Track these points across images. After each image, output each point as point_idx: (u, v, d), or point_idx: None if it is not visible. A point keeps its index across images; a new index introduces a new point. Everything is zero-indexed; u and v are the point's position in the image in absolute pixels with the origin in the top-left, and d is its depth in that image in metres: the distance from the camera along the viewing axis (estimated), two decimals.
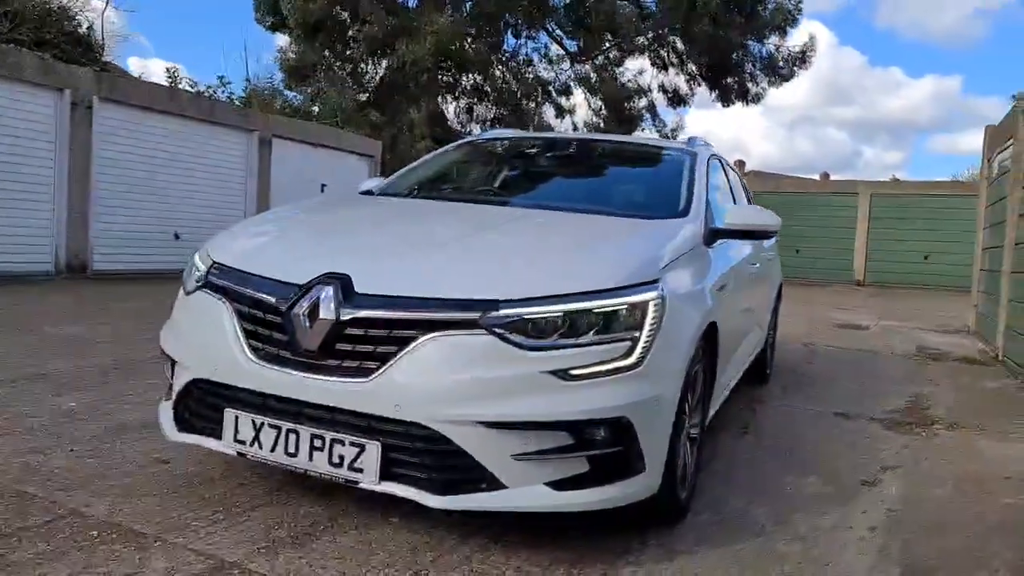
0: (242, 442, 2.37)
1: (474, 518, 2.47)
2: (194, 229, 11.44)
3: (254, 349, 2.36)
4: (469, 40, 20.91)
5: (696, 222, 3.10)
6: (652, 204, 3.32)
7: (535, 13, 22.06)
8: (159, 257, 11.17)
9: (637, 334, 2.27)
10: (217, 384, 2.43)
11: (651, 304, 2.32)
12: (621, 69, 23.81)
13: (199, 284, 2.61)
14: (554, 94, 24.04)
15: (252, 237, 2.87)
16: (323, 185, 14.32)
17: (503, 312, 2.18)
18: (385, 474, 2.21)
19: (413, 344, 2.18)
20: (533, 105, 24.16)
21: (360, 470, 2.22)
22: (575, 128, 24.31)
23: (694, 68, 23.32)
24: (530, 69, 24.29)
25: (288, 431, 2.30)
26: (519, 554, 2.38)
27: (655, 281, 2.39)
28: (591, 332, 2.23)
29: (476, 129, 26.13)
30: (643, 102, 23.73)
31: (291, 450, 2.30)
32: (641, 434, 2.26)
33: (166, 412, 2.67)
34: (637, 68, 23.74)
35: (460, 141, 4.31)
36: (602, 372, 2.21)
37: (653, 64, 23.34)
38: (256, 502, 2.66)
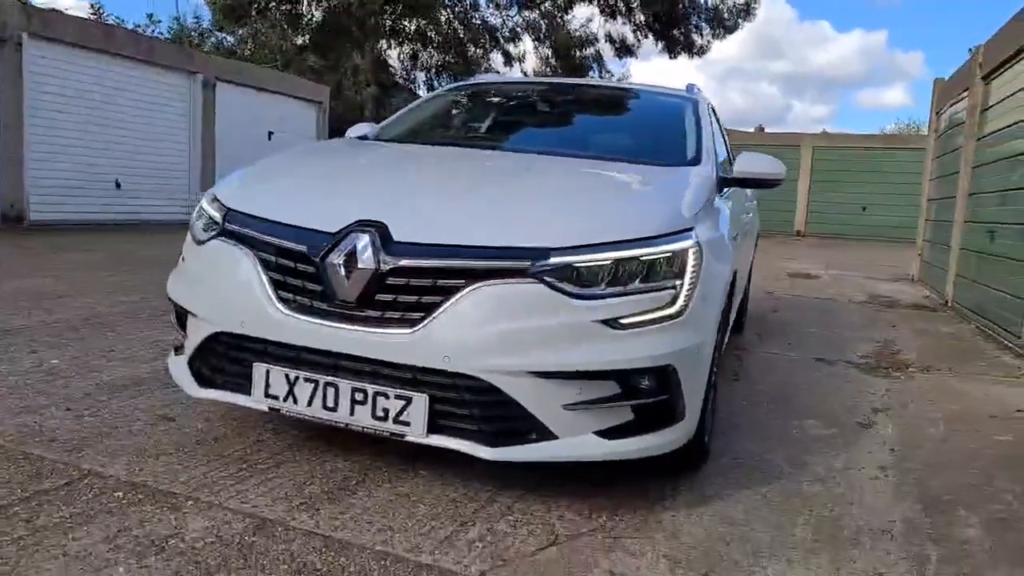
0: (274, 397, 2.28)
1: (507, 470, 2.44)
2: (136, 178, 10.91)
3: (284, 300, 2.25)
4: None
5: (710, 170, 3.09)
6: (664, 151, 3.28)
7: None
8: (100, 207, 10.64)
9: (679, 283, 2.26)
10: (244, 337, 2.32)
11: (691, 252, 2.31)
12: (569, 16, 23.49)
13: (214, 233, 2.47)
14: (502, 41, 23.57)
15: (266, 183, 2.73)
16: (270, 132, 13.80)
17: (553, 260, 2.13)
18: (432, 427, 2.16)
19: (460, 293, 2.11)
20: (481, 52, 23.68)
21: (406, 423, 2.16)
22: (525, 75, 23.97)
23: (642, 18, 23.17)
24: (476, 15, 23.72)
25: (326, 385, 2.22)
26: (558, 503, 2.38)
27: (690, 229, 2.37)
28: (636, 281, 2.20)
29: (421, 76, 25.55)
30: (591, 51, 23.52)
31: (330, 404, 2.22)
32: (684, 382, 2.26)
33: (180, 367, 2.54)
34: (585, 16, 23.50)
35: (450, 86, 4.17)
36: (649, 321, 2.20)
37: (602, 12, 23.08)
38: (279, 458, 2.58)
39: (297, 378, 2.25)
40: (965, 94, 7.93)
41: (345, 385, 2.20)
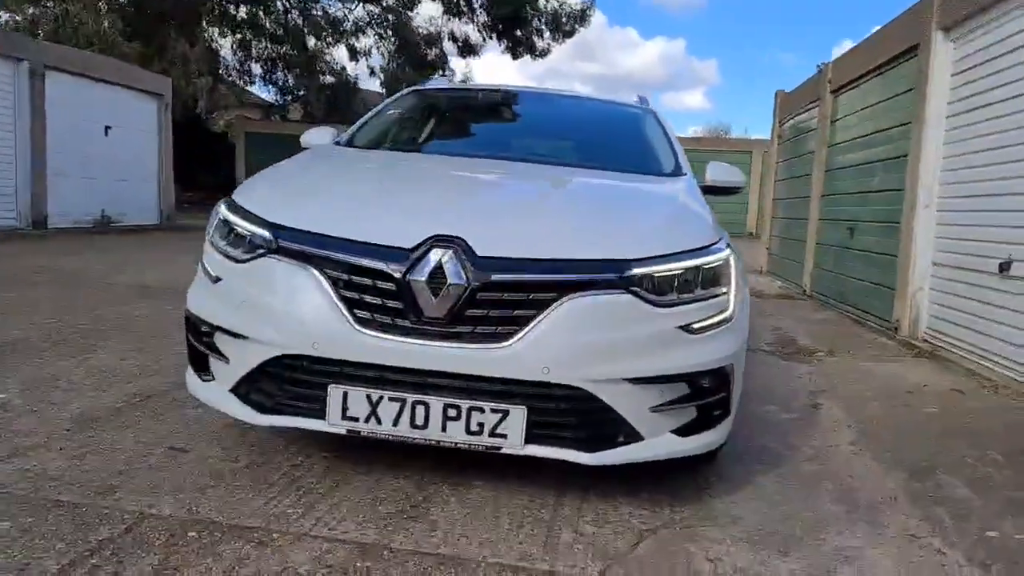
0: (353, 419, 2.23)
1: (554, 474, 2.53)
2: None
3: (361, 320, 2.20)
4: None
5: (694, 180, 3.35)
6: (656, 162, 3.49)
7: None
8: None
9: (726, 289, 2.47)
10: (315, 359, 2.24)
11: (731, 260, 2.53)
12: (413, 13, 23.36)
13: (263, 251, 2.35)
14: (346, 34, 22.97)
15: (312, 197, 2.60)
16: (107, 127, 12.62)
17: (636, 271, 2.26)
18: (528, 437, 2.21)
19: (554, 306, 2.18)
20: (323, 45, 22.96)
21: (503, 435, 2.20)
22: (372, 72, 23.59)
23: (485, 19, 23.50)
24: (317, 6, 22.95)
25: (415, 403, 2.20)
26: (619, 500, 2.51)
27: (721, 239, 2.60)
28: (698, 288, 2.38)
29: (257, 68, 24.32)
30: (436, 50, 23.54)
31: (419, 422, 2.21)
32: (734, 381, 2.48)
33: (220, 394, 2.41)
34: (428, 14, 23.48)
35: (411, 90, 4.13)
36: (712, 325, 2.38)
37: (447, 11, 23.17)
38: (329, 482, 2.50)
39: (381, 398, 2.21)
40: (813, 105, 8.91)
41: (436, 402, 2.20)
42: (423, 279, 2.16)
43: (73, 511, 2.17)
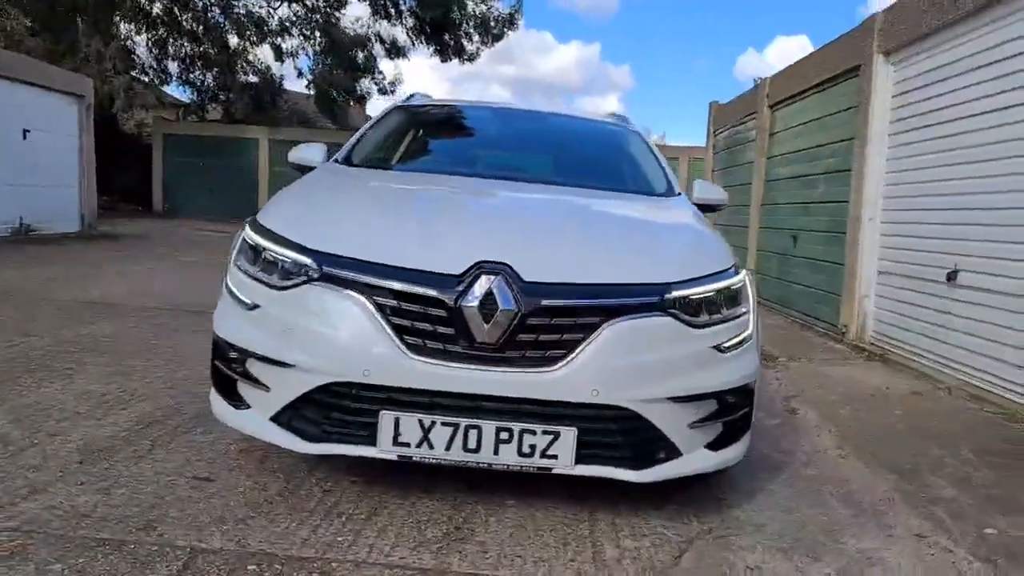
0: (405, 444, 2.26)
1: (578, 490, 2.62)
2: None
3: (411, 347, 2.24)
4: None
5: (688, 199, 3.52)
6: (650, 182, 3.62)
7: None
8: None
9: (747, 308, 2.62)
10: (365, 386, 2.25)
11: (748, 280, 2.69)
12: (341, 13, 22.97)
13: (304, 278, 2.34)
14: (270, 35, 22.39)
15: (351, 224, 2.60)
16: (25, 131, 11.92)
17: (674, 294, 2.37)
18: (578, 457, 2.29)
19: (600, 329, 2.27)
20: (247, 44, 22.29)
21: (554, 456, 2.27)
22: (299, 73, 23.09)
23: (413, 22, 23.36)
24: (239, 3, 22.26)
25: (468, 427, 2.25)
26: (648, 513, 2.62)
27: (736, 261, 2.75)
28: (724, 309, 2.52)
29: (174, 67, 23.40)
30: (365, 52, 23.22)
31: (471, 446, 2.26)
32: (755, 397, 2.63)
33: (260, 423, 2.39)
34: (356, 15, 23.16)
35: (394, 107, 4.13)
36: (738, 344, 2.53)
37: (374, 13, 22.92)
38: (367, 507, 2.50)
39: (433, 423, 2.25)
40: (750, 118, 9.31)
41: (489, 426, 2.25)
42: (475, 305, 2.21)
43: (121, 549, 2.11)
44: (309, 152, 3.66)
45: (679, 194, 3.52)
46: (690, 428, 2.40)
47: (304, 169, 3.63)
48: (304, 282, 2.34)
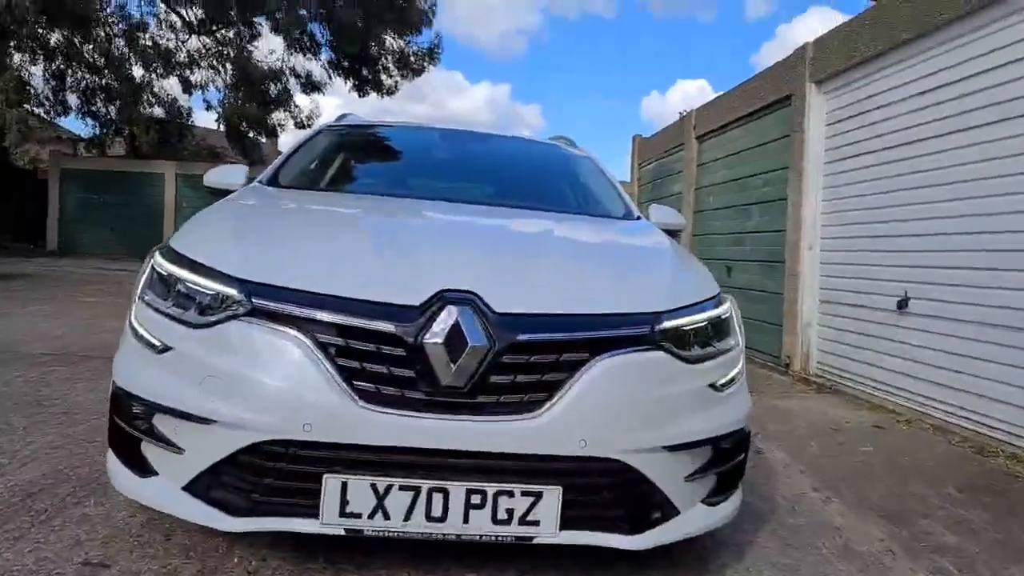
0: (355, 515, 1.84)
1: (552, 554, 2.26)
2: None
3: (362, 393, 1.84)
4: None
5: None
6: (606, 205, 3.36)
7: None
8: None
9: (735, 341, 2.34)
10: (307, 444, 1.83)
11: (734, 309, 2.42)
12: (253, 46, 22.29)
13: (230, 312, 1.92)
14: (177, 67, 21.46)
15: (283, 247, 2.17)
16: None
17: (666, 325, 2.06)
18: (563, 522, 1.93)
19: (585, 368, 1.93)
20: (153, 76, 21.28)
21: (535, 523, 1.90)
22: (208, 106, 22.17)
23: (329, 56, 22.92)
24: (145, 35, 21.29)
25: (432, 491, 1.85)
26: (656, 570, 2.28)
27: (719, 289, 2.49)
28: (716, 342, 2.23)
29: (74, 99, 22.09)
30: (280, 86, 22.55)
31: (436, 514, 1.86)
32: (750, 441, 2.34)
33: (170, 493, 1.94)
34: (267, 48, 22.53)
35: (323, 128, 3.74)
36: (732, 381, 2.24)
37: (289, 47, 22.33)
38: None
39: (390, 487, 1.84)
40: (677, 150, 9.31)
41: (457, 488, 1.86)
42: (440, 341, 1.84)
43: None
44: (230, 174, 3.23)
45: (639, 217, 3.26)
46: (686, 481, 2.08)
47: (221, 193, 3.19)
48: (229, 318, 1.91)
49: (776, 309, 6.47)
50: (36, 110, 21.35)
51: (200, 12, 21.37)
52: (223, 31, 21.80)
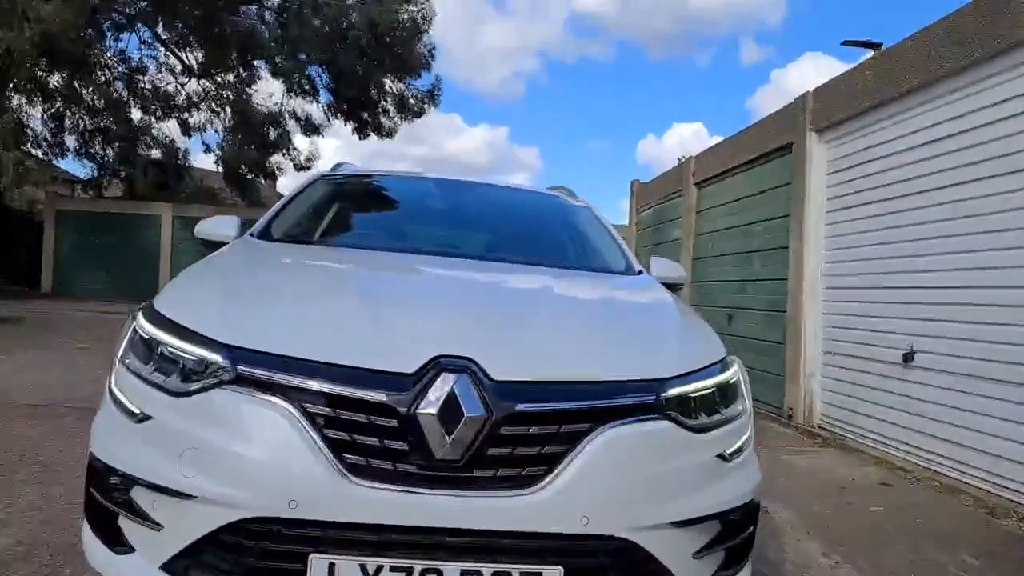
0: None
1: None
2: None
3: (352, 467, 1.72)
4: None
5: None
6: (607, 259, 3.28)
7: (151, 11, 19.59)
8: None
9: (743, 406, 2.24)
10: (292, 522, 1.71)
11: (741, 372, 2.32)
12: (252, 89, 22.50)
13: (214, 380, 1.81)
14: (176, 110, 21.62)
15: (263, 308, 2.08)
16: None
17: (672, 392, 1.96)
18: None
19: (587, 439, 1.82)
20: (152, 119, 21.43)
21: None
22: (207, 149, 22.26)
23: (329, 99, 23.13)
24: (144, 78, 21.51)
25: (424, 572, 1.73)
26: None
27: (727, 351, 2.39)
28: (723, 408, 2.13)
29: (72, 141, 22.20)
30: (279, 128, 22.70)
31: None
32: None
33: (145, 571, 1.80)
34: (267, 91, 22.73)
35: (318, 177, 3.67)
36: (741, 449, 2.13)
37: (289, 90, 22.55)
38: None
39: (380, 569, 1.72)
40: (676, 196, 9.30)
41: (452, 569, 1.74)
42: (434, 412, 1.73)
43: None
44: (221, 225, 3.15)
45: (640, 272, 3.18)
46: (694, 558, 1.95)
47: (214, 245, 3.12)
48: (213, 385, 1.81)
49: (778, 359, 6.37)
50: (34, 151, 21.46)
51: (200, 55, 21.64)
52: (222, 75, 22.04)
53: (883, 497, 4.09)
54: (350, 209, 3.53)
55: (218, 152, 21.88)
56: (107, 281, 20.09)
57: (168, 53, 21.71)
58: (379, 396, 1.74)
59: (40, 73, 19.72)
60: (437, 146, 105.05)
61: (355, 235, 3.22)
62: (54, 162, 23.64)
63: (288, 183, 31.51)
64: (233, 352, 1.83)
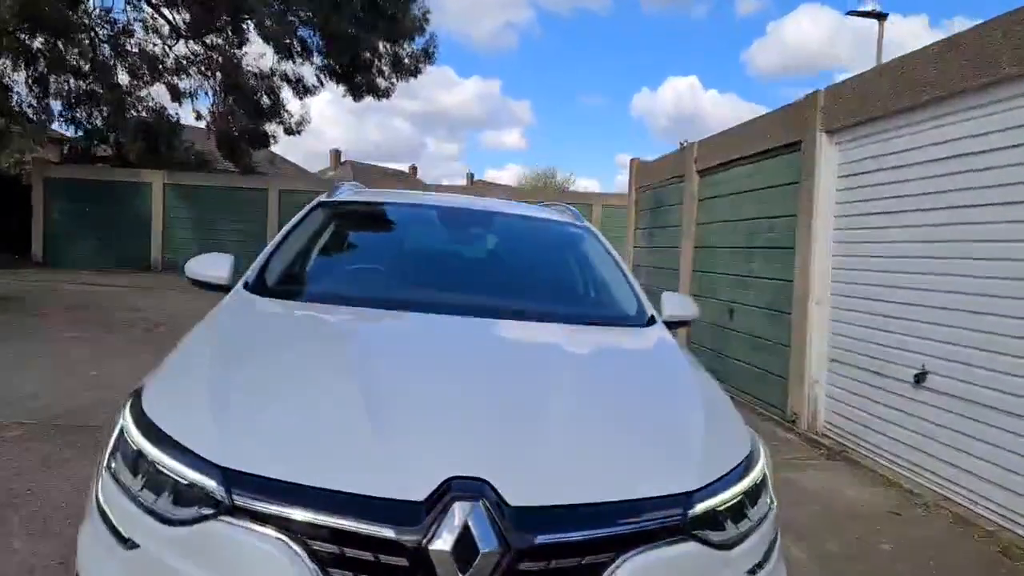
0: None
1: None
2: None
3: None
4: None
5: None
6: (618, 302, 3.17)
7: None
8: None
9: (769, 499, 2.13)
10: None
11: (766, 460, 2.21)
12: (242, 52, 21.92)
13: (212, 510, 1.69)
14: (166, 72, 21.06)
15: (260, 413, 1.94)
16: None
17: (699, 508, 1.84)
18: None
19: (609, 570, 1.71)
20: (140, 83, 20.89)
21: None
22: (198, 116, 21.75)
23: (320, 61, 22.58)
24: (131, 41, 20.91)
25: None
26: None
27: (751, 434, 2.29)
28: (751, 509, 2.02)
29: (57, 104, 21.62)
30: (271, 94, 22.19)
31: None
32: None
33: None
34: (257, 53, 22.10)
35: (316, 205, 3.50)
36: (769, 554, 2.03)
37: (278, 51, 21.96)
38: None
39: None
40: (677, 181, 9.10)
41: None
42: (447, 549, 1.62)
43: None
44: (211, 266, 3.02)
45: (652, 318, 3.07)
46: None
47: (205, 286, 2.98)
48: (210, 516, 1.69)
49: (781, 360, 6.29)
50: (26, 110, 20.95)
51: (187, 16, 21.03)
52: (212, 36, 21.45)
53: (894, 530, 4.02)
54: (346, 249, 3.40)
55: (208, 117, 21.42)
56: (100, 250, 19.82)
57: (155, 14, 21.09)
58: (387, 532, 1.62)
59: (22, 36, 19.17)
60: (429, 100, 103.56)
61: (353, 285, 3.06)
62: (42, 127, 23.14)
63: (279, 150, 30.90)
64: (228, 476, 1.70)
